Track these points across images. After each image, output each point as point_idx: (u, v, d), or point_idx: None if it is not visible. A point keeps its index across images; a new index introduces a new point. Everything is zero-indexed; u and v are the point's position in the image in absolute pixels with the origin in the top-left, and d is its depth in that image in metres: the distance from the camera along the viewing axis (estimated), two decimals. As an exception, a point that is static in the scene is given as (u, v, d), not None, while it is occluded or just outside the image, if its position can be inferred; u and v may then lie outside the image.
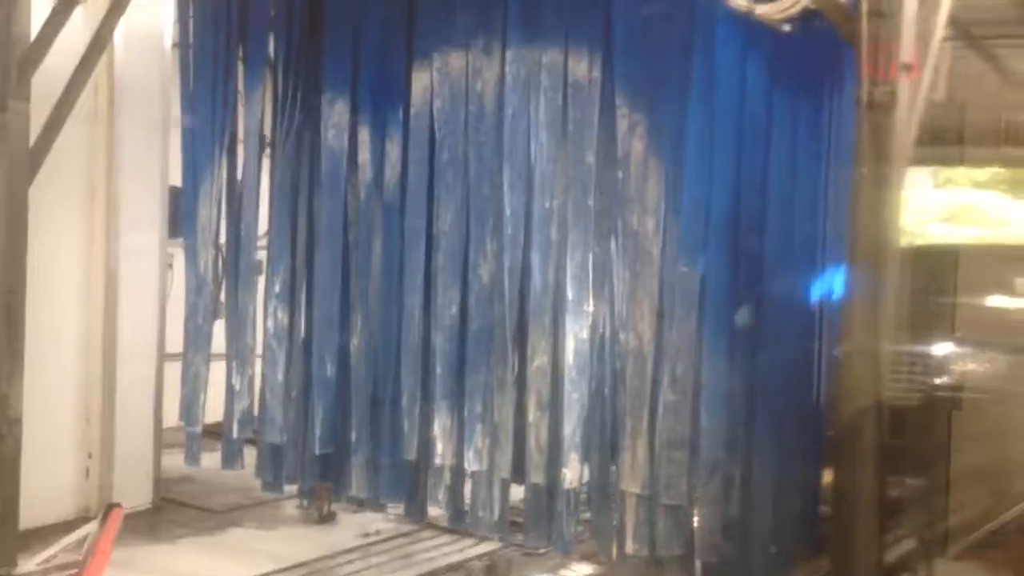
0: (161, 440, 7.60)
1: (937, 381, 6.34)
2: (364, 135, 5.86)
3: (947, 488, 5.97)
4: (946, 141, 6.70)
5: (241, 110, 6.28)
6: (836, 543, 4.56)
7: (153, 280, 7.44)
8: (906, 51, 4.10)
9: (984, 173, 8.71)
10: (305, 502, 7.29)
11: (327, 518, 7.30)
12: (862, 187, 4.13)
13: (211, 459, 6.81)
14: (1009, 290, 6.49)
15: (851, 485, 4.49)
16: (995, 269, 6.46)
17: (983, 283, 6.11)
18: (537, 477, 5.40)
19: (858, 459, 4.51)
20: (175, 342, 7.34)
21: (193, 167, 6.35)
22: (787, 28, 4.15)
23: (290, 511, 7.47)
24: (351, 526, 7.16)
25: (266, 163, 6.33)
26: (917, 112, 4.22)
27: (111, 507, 5.96)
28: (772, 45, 4.82)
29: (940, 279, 6.38)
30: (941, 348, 6.55)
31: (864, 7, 4.16)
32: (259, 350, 6.37)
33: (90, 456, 7.19)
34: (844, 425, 4.41)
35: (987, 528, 5.93)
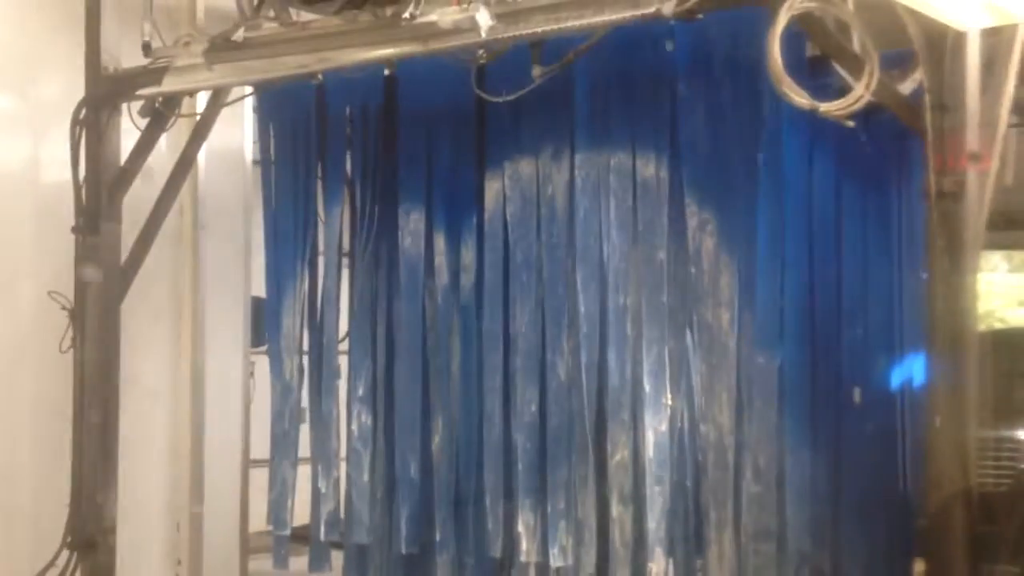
0: (248, 544, 7.75)
1: (1020, 466, 6.27)
2: (439, 242, 6.05)
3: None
4: (1019, 225, 6.73)
5: (321, 223, 6.51)
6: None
7: (237, 388, 7.70)
8: (971, 140, 4.18)
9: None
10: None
11: (412, 621, 7.33)
12: (936, 275, 4.19)
13: (296, 563, 6.91)
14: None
15: (943, 574, 4.47)
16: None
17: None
18: (622, 572, 5.41)
19: (949, 548, 4.48)
20: (258, 448, 7.54)
21: (277, 279, 6.57)
22: (851, 124, 4.25)
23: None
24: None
25: (345, 273, 6.54)
26: (987, 199, 4.29)
27: (202, 614, 6.12)
28: (838, 139, 4.94)
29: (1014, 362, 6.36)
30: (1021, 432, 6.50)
31: (927, 100, 4.27)
32: (343, 453, 6.50)
33: (179, 563, 7.36)
34: (933, 513, 4.39)
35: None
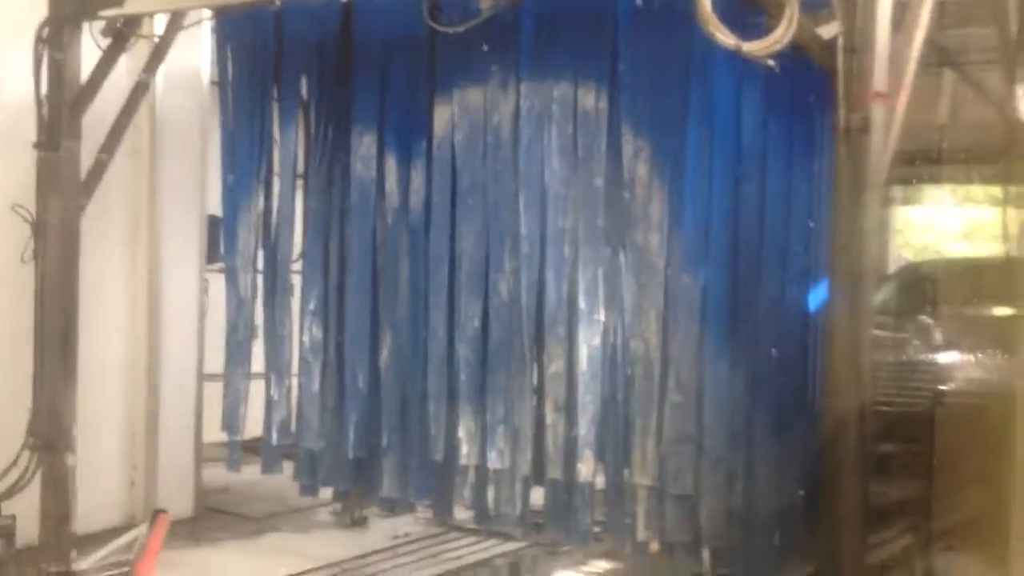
0: (201, 454, 8.11)
1: (928, 386, 6.78)
2: (390, 165, 6.37)
3: (933, 490, 6.38)
4: (930, 160, 7.18)
5: (276, 145, 6.78)
6: (823, 542, 4.93)
7: (192, 302, 8.01)
8: (879, 80, 4.55)
9: (972, 191, 9.18)
10: (338, 507, 7.77)
11: (359, 522, 7.80)
12: (840, 207, 4.57)
13: (249, 472, 7.28)
14: (994, 298, 6.94)
15: (837, 485, 4.87)
16: (980, 281, 6.92)
17: (961, 295, 6.57)
18: (555, 473, 5.87)
19: (842, 462, 4.85)
20: (212, 362, 7.87)
21: (233, 198, 6.85)
22: (772, 63, 4.61)
23: (324, 517, 7.97)
24: (382, 529, 7.66)
25: (299, 193, 6.84)
26: (893, 136, 4.67)
27: (158, 512, 6.47)
28: (765, 75, 5.29)
29: (921, 291, 6.85)
30: (931, 355, 7.01)
31: (840, 41, 4.64)
32: (295, 366, 6.85)
33: (135, 469, 7.71)
34: (828, 429, 4.78)
35: (969, 527, 6.34)
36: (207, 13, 6.72)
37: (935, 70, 5.83)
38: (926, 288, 7.41)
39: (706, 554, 5.70)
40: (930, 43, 5.07)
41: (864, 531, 4.89)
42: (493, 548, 7.19)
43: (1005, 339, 6.42)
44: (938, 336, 6.85)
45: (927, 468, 6.40)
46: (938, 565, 6.19)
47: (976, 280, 7.18)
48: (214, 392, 7.57)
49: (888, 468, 6.01)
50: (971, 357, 6.87)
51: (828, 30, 5.06)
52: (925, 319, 6.79)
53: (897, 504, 6.15)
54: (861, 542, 4.87)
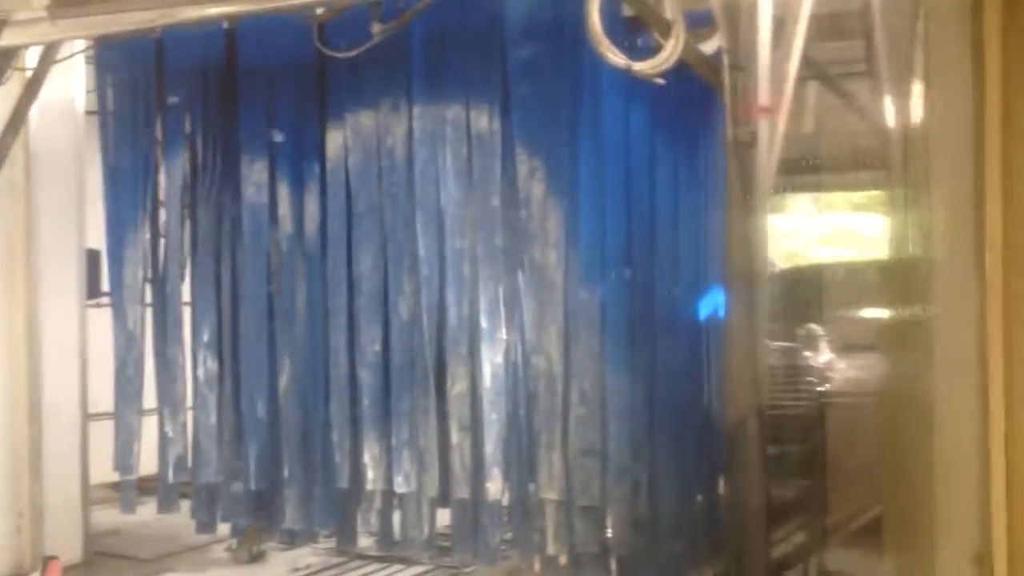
0: (89, 496, 7.85)
1: (816, 388, 7.06)
2: (283, 191, 6.32)
3: (826, 485, 6.64)
4: (809, 170, 7.48)
5: (162, 173, 6.65)
6: (729, 541, 5.09)
7: (73, 340, 7.75)
8: (763, 95, 4.76)
9: (851, 198, 9.60)
10: (234, 543, 7.61)
11: (257, 557, 7.66)
12: (732, 216, 4.75)
13: (141, 512, 7.07)
14: (872, 301, 7.25)
15: (739, 487, 5.04)
16: (860, 283, 7.23)
17: (844, 298, 6.86)
18: (462, 493, 5.89)
19: (744, 463, 5.05)
20: (96, 401, 7.64)
21: (117, 230, 6.68)
22: (661, 81, 4.76)
23: (219, 554, 7.80)
24: (281, 563, 7.54)
25: (188, 224, 6.71)
26: (777, 147, 4.89)
27: (48, 559, 6.27)
28: (653, 93, 5.45)
29: (808, 296, 7.13)
30: (817, 357, 7.30)
31: (725, 59, 4.83)
32: (189, 400, 6.71)
33: (21, 515, 7.41)
34: (730, 434, 4.96)
35: (861, 520, 6.61)
36: (82, 44, 6.55)
37: (802, 83, 6.09)
38: (798, 293, 7.70)
39: (614, 564, 5.79)
40: (803, 56, 5.30)
41: (767, 530, 5.07)
42: (396, 574, 7.15)
43: (877, 339, 6.71)
44: (817, 339, 7.14)
45: (817, 466, 6.66)
46: (833, 559, 6.43)
47: (846, 284, 7.51)
48: (99, 431, 7.36)
49: (780, 468, 6.23)
50: (846, 358, 7.18)
51: (709, 46, 5.27)
52: (810, 324, 7.07)
53: (792, 502, 6.38)
54: (765, 539, 5.06)
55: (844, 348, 7.09)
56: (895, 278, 4.78)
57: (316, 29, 5.82)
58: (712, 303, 5.98)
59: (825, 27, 5.42)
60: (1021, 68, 3.26)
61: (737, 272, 5.04)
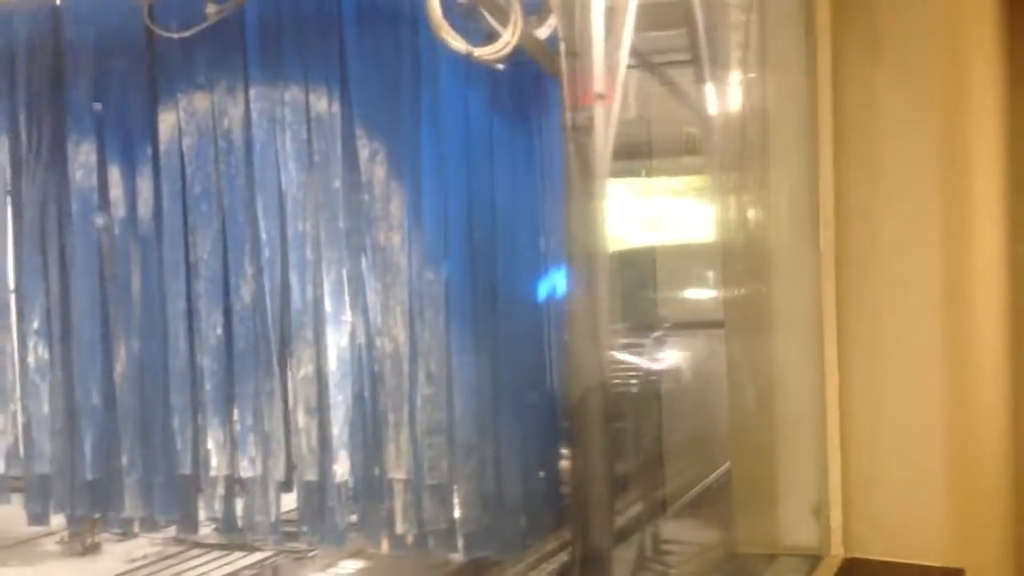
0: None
1: (650, 366, 7.33)
2: (114, 174, 6.14)
3: (662, 460, 6.92)
4: (641, 155, 7.72)
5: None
6: (575, 513, 5.24)
7: None
8: (597, 81, 4.89)
9: (680, 182, 9.95)
10: (67, 535, 7.39)
11: (91, 549, 7.45)
12: (571, 199, 4.88)
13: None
14: (699, 282, 7.57)
15: (583, 463, 5.18)
16: (687, 265, 7.52)
17: (678, 278, 7.14)
18: (310, 475, 5.89)
19: (587, 440, 5.18)
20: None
21: (-68, 213, 6.38)
22: (501, 67, 4.84)
23: (51, 547, 7.56)
24: (116, 554, 7.36)
25: (10, 208, 6.45)
26: (612, 132, 5.03)
27: None
28: (492, 77, 5.54)
29: (644, 277, 7.38)
30: (650, 336, 7.57)
31: (562, 47, 4.94)
32: (19, 390, 6.47)
33: None
34: (574, 411, 5.09)
35: (695, 490, 6.93)
36: None
37: (628, 70, 6.30)
38: (629, 274, 7.97)
39: (460, 540, 5.90)
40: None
41: (612, 499, 5.26)
42: (238, 561, 7.09)
43: (704, 319, 7.02)
44: (651, 319, 7.41)
45: (652, 441, 6.95)
46: (666, 530, 6.73)
47: (677, 265, 7.81)
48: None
49: (617, 444, 6.46)
50: (679, 336, 7.48)
51: (542, 32, 5.37)
52: (645, 304, 7.31)
53: (628, 476, 6.64)
54: (610, 510, 5.25)
55: (676, 326, 7.38)
56: (728, 258, 5.02)
57: (146, 6, 5.66)
58: (553, 283, 6.13)
59: (651, 16, 5.60)
60: (850, 53, 3.50)
61: (578, 252, 5.16)
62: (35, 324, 6.32)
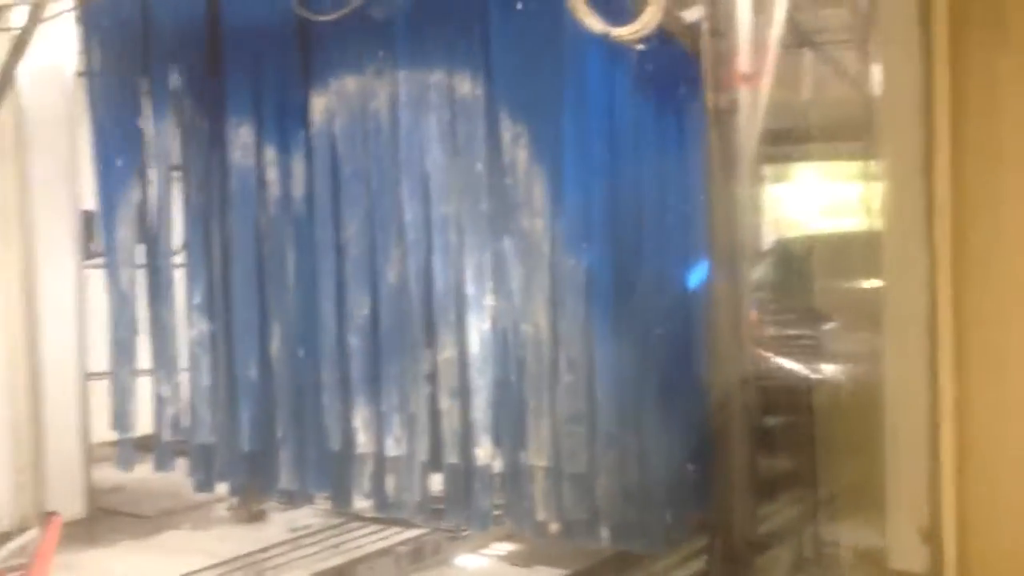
0: (90, 453, 7.91)
1: (806, 359, 6.96)
2: (270, 155, 6.28)
3: (815, 460, 6.56)
4: (798, 139, 7.30)
5: (150, 136, 6.61)
6: (715, 514, 5.06)
7: (70, 301, 7.74)
8: (743, 62, 4.64)
9: (842, 167, 9.43)
10: (235, 502, 7.66)
11: (257, 516, 7.68)
12: (713, 186, 4.66)
13: (141, 471, 7.13)
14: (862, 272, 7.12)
15: (725, 460, 5.00)
16: (850, 255, 7.08)
17: (839, 269, 6.71)
18: (452, 458, 5.91)
19: (729, 436, 5.00)
20: (95, 361, 7.65)
21: (107, 191, 6.68)
22: (641, 47, 4.65)
23: (221, 512, 7.82)
24: (281, 523, 7.55)
25: (178, 184, 6.69)
26: (759, 116, 4.78)
27: (49, 515, 6.29)
28: (637, 58, 5.34)
29: (803, 266, 7.01)
30: (809, 329, 7.18)
31: (705, 26, 4.70)
32: (184, 361, 6.73)
33: (22, 472, 7.48)
34: (715, 405, 4.90)
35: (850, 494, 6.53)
36: (69, 3, 6.45)
37: (795, 50, 5.93)
38: (798, 264, 7.58)
39: (604, 532, 5.78)
40: (789, 24, 5.16)
41: (754, 500, 5.04)
42: (394, 536, 7.16)
43: (876, 311, 6.59)
44: (816, 311, 7.03)
45: (809, 439, 6.58)
46: (824, 533, 6.39)
47: (845, 254, 7.37)
48: (99, 392, 7.37)
49: (774, 440, 6.16)
50: (846, 330, 7.07)
51: (692, 13, 5.13)
52: (801, 296, 6.94)
53: (784, 475, 6.33)
54: (752, 511, 5.02)
55: (835, 319, 6.98)
56: (873, 249, 4.68)
57: (296, -8, 5.73)
58: (700, 271, 5.89)
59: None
60: (971, 36, 3.15)
61: (719, 242, 4.95)
62: (198, 298, 6.55)
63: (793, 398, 6.26)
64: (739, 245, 4.69)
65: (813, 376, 6.63)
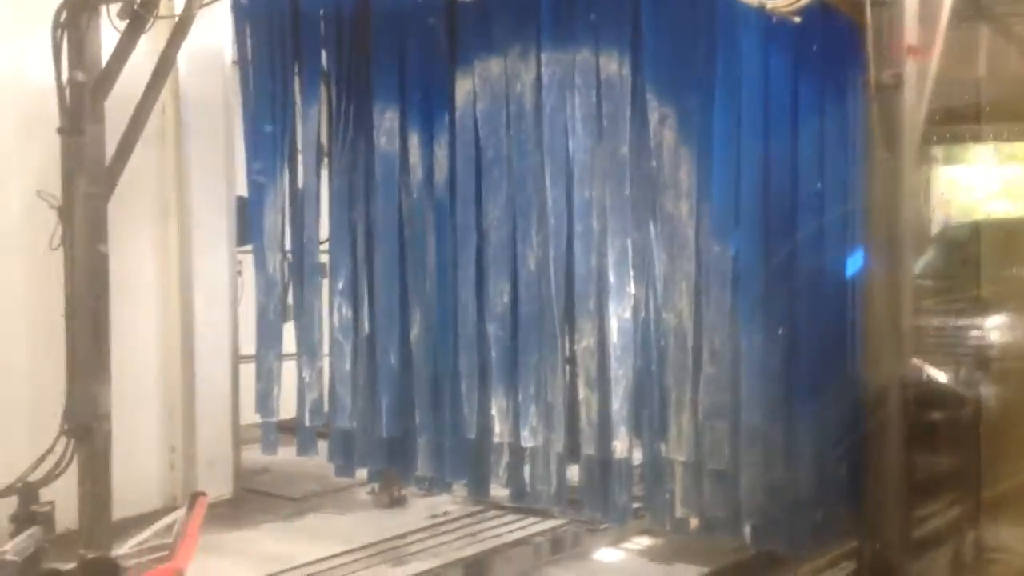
0: (239, 435, 8.09)
1: (976, 352, 6.53)
2: (414, 139, 6.25)
3: (979, 459, 6.14)
4: (991, 118, 6.84)
5: (299, 122, 6.69)
6: (865, 515, 4.76)
7: (224, 285, 7.95)
8: (910, 33, 4.33)
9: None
10: (376, 487, 7.71)
11: (398, 502, 7.72)
12: (874, 167, 4.37)
13: (286, 453, 7.22)
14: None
15: (878, 459, 4.68)
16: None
17: (1011, 256, 6.29)
18: (589, 450, 5.75)
19: (883, 433, 4.68)
20: (247, 345, 7.81)
21: (257, 178, 6.78)
22: (798, 19, 4.41)
23: (363, 497, 7.90)
24: (420, 509, 7.58)
25: (324, 171, 6.74)
26: (926, 93, 4.45)
27: (196, 495, 6.45)
28: (793, 34, 5.07)
29: (973, 254, 6.58)
30: (977, 320, 6.74)
31: (868, -6, 4.41)
32: (326, 346, 6.78)
33: (173, 451, 7.71)
34: (870, 400, 4.60)
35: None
36: (226, -10, 6.59)
37: (968, 24, 5.51)
38: (968, 251, 7.13)
39: (747, 530, 5.54)
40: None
41: (908, 504, 4.72)
42: (532, 526, 7.08)
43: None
44: (985, 301, 6.60)
45: (974, 437, 6.19)
46: (986, 537, 5.99)
47: (1019, 241, 6.90)
48: (252, 375, 7.51)
49: (934, 438, 5.81)
50: (1017, 322, 6.61)
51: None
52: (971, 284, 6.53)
53: (944, 475, 5.95)
54: (905, 515, 4.70)
55: (1005, 310, 6.52)
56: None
57: (442, -27, 5.68)
58: (857, 259, 5.57)
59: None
60: None
61: (879, 226, 4.64)
62: (341, 285, 6.58)
63: (957, 394, 5.88)
64: (901, 231, 4.37)
65: (979, 371, 6.20)
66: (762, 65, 5.30)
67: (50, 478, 6.30)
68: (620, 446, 5.66)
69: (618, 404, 5.62)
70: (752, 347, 5.35)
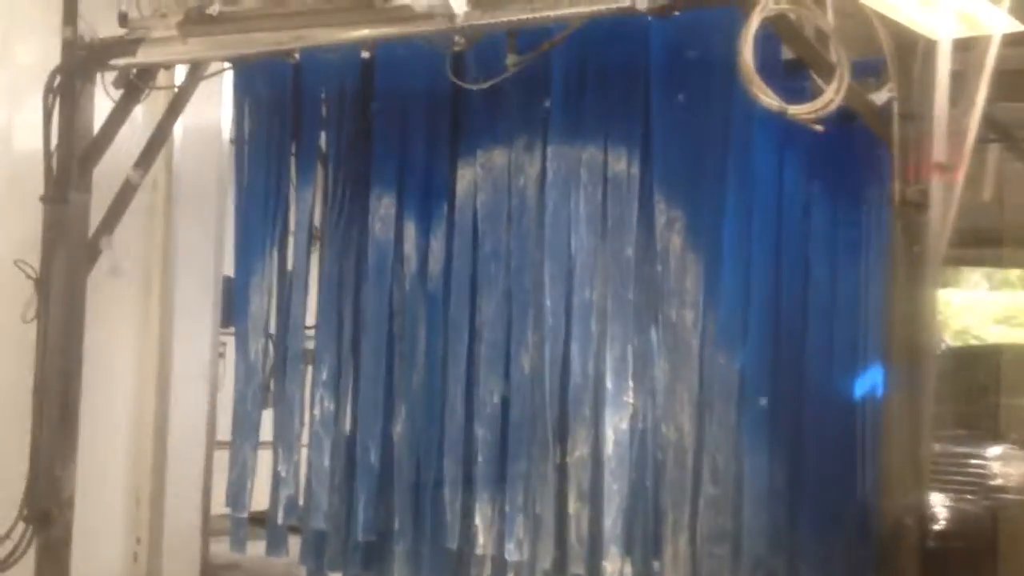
0: (209, 526, 7.69)
1: (988, 482, 6.24)
2: (410, 228, 6.01)
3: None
4: (989, 242, 6.67)
5: (293, 204, 6.46)
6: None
7: (205, 368, 7.63)
8: (938, 151, 4.13)
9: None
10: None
11: (373, 609, 7.29)
12: (896, 285, 4.15)
13: (254, 547, 6.84)
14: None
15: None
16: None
17: (1014, 383, 6.06)
18: (578, 568, 5.38)
19: (901, 561, 4.41)
20: (225, 430, 7.48)
21: (245, 258, 6.53)
22: (820, 128, 4.20)
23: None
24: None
25: (315, 256, 6.49)
26: (951, 212, 4.24)
27: (158, 592, 6.07)
28: (810, 144, 4.86)
29: (988, 380, 6.33)
30: (989, 449, 6.47)
31: (896, 108, 4.22)
32: (305, 439, 6.44)
33: (138, 541, 7.31)
34: (886, 535, 4.34)
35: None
36: (226, 65, 6.41)
37: (982, 145, 5.33)
38: (968, 375, 6.89)
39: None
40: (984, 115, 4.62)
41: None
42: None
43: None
44: (990, 427, 6.34)
45: (990, 568, 5.86)
46: None
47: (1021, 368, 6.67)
48: (226, 462, 7.17)
49: (948, 569, 5.48)
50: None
51: (881, 94, 4.65)
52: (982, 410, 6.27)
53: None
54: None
55: (1009, 439, 6.26)
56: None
57: (451, 59, 5.50)
58: (871, 380, 5.28)
59: (1011, 85, 4.73)
60: None
61: (900, 348, 4.41)
62: (325, 375, 6.27)
63: (968, 523, 5.57)
64: (923, 355, 4.13)
65: (987, 500, 5.90)
66: (777, 173, 5.08)
67: (4, 566, 5.96)
68: (611, 567, 5.29)
69: (611, 520, 5.27)
70: (756, 468, 5.03)
